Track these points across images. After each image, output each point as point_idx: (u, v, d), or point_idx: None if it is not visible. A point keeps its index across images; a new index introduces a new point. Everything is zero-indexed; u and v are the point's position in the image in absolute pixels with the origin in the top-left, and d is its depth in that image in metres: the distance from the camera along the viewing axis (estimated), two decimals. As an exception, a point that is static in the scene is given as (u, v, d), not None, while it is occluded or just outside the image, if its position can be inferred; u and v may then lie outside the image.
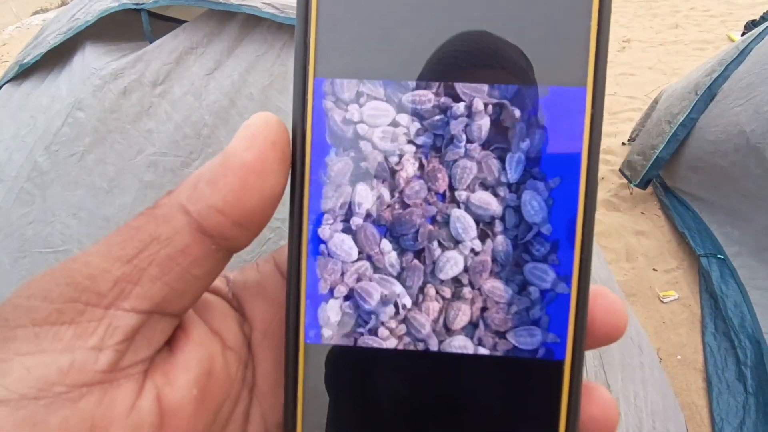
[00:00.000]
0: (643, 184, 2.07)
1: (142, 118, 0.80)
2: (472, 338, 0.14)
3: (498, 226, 0.14)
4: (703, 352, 1.47)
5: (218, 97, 0.78)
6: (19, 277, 0.72)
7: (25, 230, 0.77)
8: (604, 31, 0.14)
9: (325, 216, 0.15)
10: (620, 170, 2.16)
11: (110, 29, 0.92)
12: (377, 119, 0.14)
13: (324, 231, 0.15)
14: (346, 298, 0.15)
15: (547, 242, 0.14)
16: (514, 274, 0.14)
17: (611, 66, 3.34)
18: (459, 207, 0.14)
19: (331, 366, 0.14)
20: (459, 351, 0.14)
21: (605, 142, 2.62)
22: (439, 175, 0.14)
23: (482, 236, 0.14)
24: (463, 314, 0.14)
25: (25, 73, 0.95)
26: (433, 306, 0.14)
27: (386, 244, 0.14)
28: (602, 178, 2.34)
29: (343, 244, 0.15)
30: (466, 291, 0.14)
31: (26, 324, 0.12)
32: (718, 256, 1.63)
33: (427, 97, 0.14)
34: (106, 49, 0.87)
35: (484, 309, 0.14)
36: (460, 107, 0.14)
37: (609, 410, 0.15)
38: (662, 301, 1.70)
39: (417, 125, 0.14)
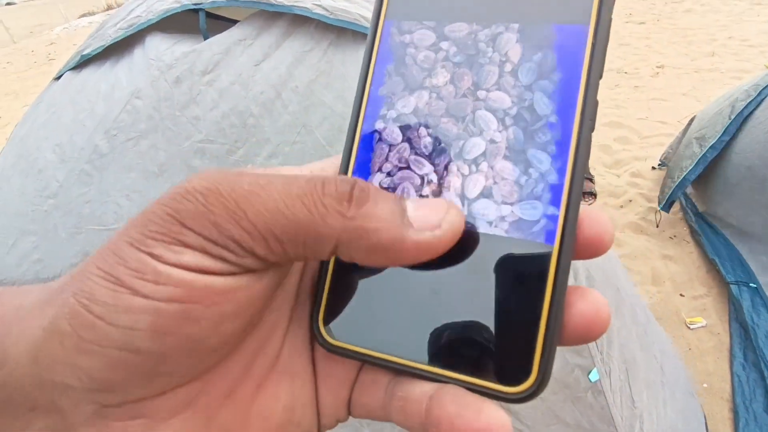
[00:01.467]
0: (668, 206, 2.03)
1: (190, 105, 0.84)
2: (485, 207, 0.17)
3: (510, 120, 0.17)
4: (730, 382, 1.42)
5: (264, 88, 0.82)
6: (74, 251, 0.76)
7: (82, 208, 0.82)
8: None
9: (381, 110, 0.19)
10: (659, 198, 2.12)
11: (169, 25, 0.97)
12: (424, 42, 0.18)
13: (377, 122, 0.18)
14: (388, 174, 0.18)
15: (549, 132, 0.16)
16: (520, 158, 0.17)
17: (643, 90, 3.34)
18: (482, 106, 0.17)
19: None
20: (477, 216, 0.17)
21: (635, 166, 2.59)
22: (466, 78, 0.18)
23: (499, 128, 0.17)
24: (477, 185, 0.17)
25: (85, 62, 1.01)
26: (455, 180, 0.17)
27: (423, 131, 0.18)
28: (630, 200, 2.31)
29: (392, 132, 0.18)
30: (483, 166, 0.17)
31: None
32: (750, 284, 1.59)
33: (463, 27, 0.18)
34: (165, 43, 0.92)
35: (494, 183, 0.17)
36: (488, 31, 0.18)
37: (600, 309, 0.15)
38: (689, 327, 1.66)
39: (454, 47, 0.18)
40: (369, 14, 0.83)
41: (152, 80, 0.85)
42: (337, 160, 0.20)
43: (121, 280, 0.13)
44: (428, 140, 0.18)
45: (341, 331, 0.17)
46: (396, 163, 0.18)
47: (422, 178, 0.17)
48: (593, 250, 0.16)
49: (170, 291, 0.13)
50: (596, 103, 0.17)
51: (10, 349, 0.13)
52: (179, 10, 0.90)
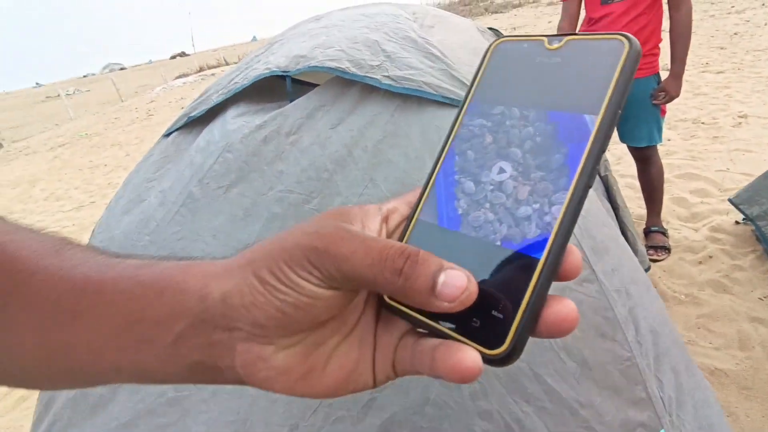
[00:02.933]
0: None
1: (276, 161, 0.96)
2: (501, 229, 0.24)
3: (526, 176, 0.24)
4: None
5: (338, 147, 0.92)
6: None
7: (175, 245, 0.95)
8: (617, 95, 0.23)
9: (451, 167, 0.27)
10: (750, 220, 1.97)
11: (258, 90, 1.13)
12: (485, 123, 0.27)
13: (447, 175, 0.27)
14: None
15: (552, 187, 0.23)
16: (530, 201, 0.24)
17: (723, 141, 3.19)
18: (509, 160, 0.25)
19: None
20: (495, 233, 0.24)
21: (715, 220, 2.43)
22: (505, 141, 0.26)
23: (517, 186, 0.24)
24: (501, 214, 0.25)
25: (190, 124, 1.18)
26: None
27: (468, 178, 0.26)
28: (710, 257, 2.16)
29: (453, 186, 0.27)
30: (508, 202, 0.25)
31: None
32: None
33: (514, 111, 0.26)
34: (255, 106, 1.07)
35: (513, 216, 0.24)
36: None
37: (570, 312, 0.22)
38: (784, 401, 1.49)
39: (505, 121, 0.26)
40: (431, 80, 0.92)
41: (242, 137, 0.99)
42: (407, 196, 0.29)
43: (281, 275, 0.23)
44: (471, 185, 0.26)
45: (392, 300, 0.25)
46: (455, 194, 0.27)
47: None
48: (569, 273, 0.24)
49: (300, 290, 0.23)
50: (594, 174, 0.23)
51: (208, 289, 0.24)
52: (268, 75, 1.05)
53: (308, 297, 0.23)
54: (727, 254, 2.17)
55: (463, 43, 1.13)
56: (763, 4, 8.89)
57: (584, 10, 2.12)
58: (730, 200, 2.21)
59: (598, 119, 0.22)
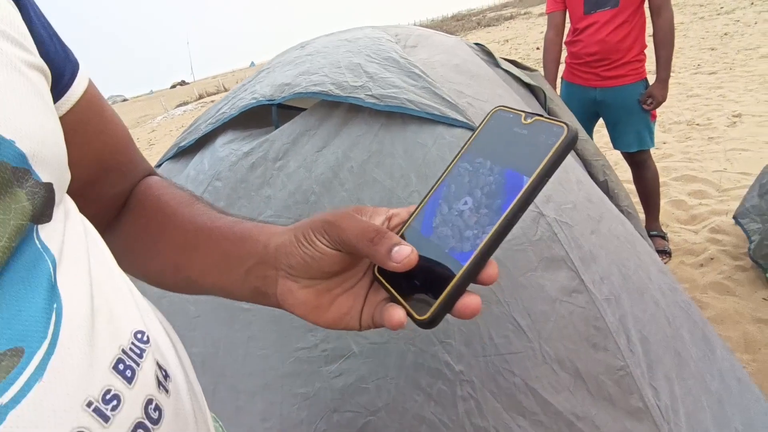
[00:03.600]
0: None
1: (263, 187, 0.97)
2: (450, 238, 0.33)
3: (474, 209, 0.33)
4: None
5: (324, 170, 0.94)
6: (155, 296, 0.87)
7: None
8: (550, 169, 0.30)
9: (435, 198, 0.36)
10: (751, 257, 1.96)
11: (246, 118, 1.15)
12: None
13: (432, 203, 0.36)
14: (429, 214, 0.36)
15: (487, 218, 0.32)
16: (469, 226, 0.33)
17: (719, 141, 3.20)
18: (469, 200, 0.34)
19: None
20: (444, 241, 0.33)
21: (715, 221, 2.42)
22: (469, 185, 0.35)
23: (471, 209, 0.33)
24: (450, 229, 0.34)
25: (180, 153, 1.20)
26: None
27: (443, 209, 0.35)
28: (711, 258, 2.15)
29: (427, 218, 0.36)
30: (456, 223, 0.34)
31: None
32: None
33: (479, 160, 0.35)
34: (242, 134, 1.09)
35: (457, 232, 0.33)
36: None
37: (474, 301, 0.30)
38: (795, 402, 1.46)
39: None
40: (414, 98, 0.94)
41: (230, 165, 1.01)
42: (410, 208, 0.37)
43: (307, 236, 0.34)
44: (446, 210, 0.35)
45: (379, 270, 0.36)
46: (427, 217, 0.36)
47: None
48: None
49: (316, 247, 0.34)
50: (517, 217, 0.31)
51: (269, 242, 0.37)
52: (255, 105, 1.07)
53: (320, 253, 0.33)
54: (729, 255, 2.16)
55: (445, 61, 1.15)
56: (752, 3, 8.98)
57: (569, 21, 2.16)
58: (734, 218, 2.18)
59: (528, 181, 0.30)
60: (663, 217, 2.54)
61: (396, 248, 0.31)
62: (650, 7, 1.95)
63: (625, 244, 0.93)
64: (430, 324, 0.31)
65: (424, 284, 0.32)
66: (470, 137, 0.36)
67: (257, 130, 1.10)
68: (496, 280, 0.31)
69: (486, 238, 0.30)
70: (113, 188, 0.46)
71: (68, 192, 0.33)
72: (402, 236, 0.36)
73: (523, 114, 0.33)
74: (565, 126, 0.30)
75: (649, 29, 2.02)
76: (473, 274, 0.30)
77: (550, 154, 0.29)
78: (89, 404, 0.25)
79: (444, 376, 0.77)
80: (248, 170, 1.00)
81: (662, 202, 2.71)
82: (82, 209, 0.35)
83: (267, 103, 1.02)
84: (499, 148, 0.33)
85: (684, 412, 0.78)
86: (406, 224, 0.36)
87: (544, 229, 0.82)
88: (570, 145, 0.29)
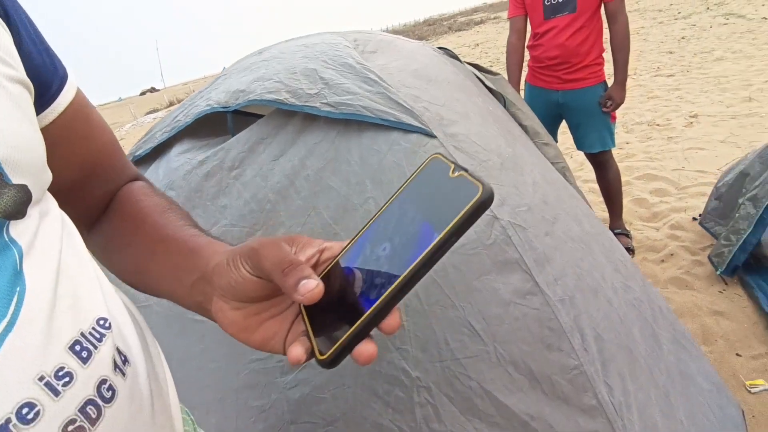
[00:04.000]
0: (730, 271, 1.92)
1: (219, 196, 0.95)
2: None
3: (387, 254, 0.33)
4: (802, 453, 1.27)
5: (280, 178, 0.93)
6: None
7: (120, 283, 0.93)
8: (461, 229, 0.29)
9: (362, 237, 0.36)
10: (709, 257, 2.03)
11: (203, 127, 1.13)
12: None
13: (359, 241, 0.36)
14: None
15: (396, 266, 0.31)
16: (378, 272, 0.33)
17: (677, 141, 3.31)
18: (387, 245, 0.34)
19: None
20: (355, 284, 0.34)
21: (674, 218, 2.51)
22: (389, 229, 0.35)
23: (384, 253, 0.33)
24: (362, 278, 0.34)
25: (135, 162, 1.17)
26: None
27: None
28: (672, 254, 2.22)
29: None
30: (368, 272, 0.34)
31: None
32: (806, 339, 1.46)
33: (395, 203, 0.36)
34: (198, 142, 1.07)
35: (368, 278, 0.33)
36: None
37: (368, 351, 0.30)
38: (749, 391, 1.52)
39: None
40: (369, 104, 0.94)
41: (185, 174, 0.99)
42: (343, 243, 0.37)
43: (235, 262, 0.35)
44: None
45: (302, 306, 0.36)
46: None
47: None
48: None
49: (239, 273, 0.34)
50: (424, 271, 0.30)
51: (211, 260, 0.37)
52: (210, 112, 1.06)
53: (242, 278, 0.34)
54: (687, 250, 2.23)
55: (403, 67, 1.16)
56: (708, 8, 9.38)
57: (530, 26, 2.21)
58: (701, 224, 2.25)
59: (436, 239, 0.29)
60: (626, 215, 2.62)
61: (303, 281, 0.31)
62: (606, 13, 2.02)
63: (579, 245, 0.95)
64: (329, 364, 0.31)
65: (335, 323, 0.32)
66: (406, 180, 0.36)
67: (213, 138, 1.08)
68: (397, 330, 0.31)
69: (389, 289, 0.30)
70: (98, 191, 0.49)
71: (56, 192, 0.39)
72: (327, 272, 0.36)
73: (453, 166, 0.32)
74: (480, 187, 0.29)
75: (607, 34, 2.08)
76: (374, 323, 0.30)
77: (460, 215, 0.29)
78: (41, 378, 0.29)
79: (401, 383, 0.77)
80: (203, 179, 0.98)
81: (626, 200, 2.79)
82: (69, 209, 0.40)
83: (221, 110, 1.01)
84: (425, 198, 0.33)
85: (636, 407, 0.80)
86: (335, 259, 0.36)
87: (498, 233, 0.83)
88: (482, 206, 0.29)
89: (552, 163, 1.66)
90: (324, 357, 0.31)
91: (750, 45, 5.81)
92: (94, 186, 0.49)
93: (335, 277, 0.35)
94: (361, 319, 0.30)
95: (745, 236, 1.86)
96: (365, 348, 0.31)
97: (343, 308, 0.33)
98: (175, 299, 0.41)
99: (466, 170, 0.31)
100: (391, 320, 0.31)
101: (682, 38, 7.23)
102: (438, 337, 0.77)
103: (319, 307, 0.33)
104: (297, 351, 0.32)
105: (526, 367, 0.77)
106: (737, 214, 1.96)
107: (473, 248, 0.81)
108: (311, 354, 0.32)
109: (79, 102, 0.44)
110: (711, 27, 7.50)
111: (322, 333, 0.33)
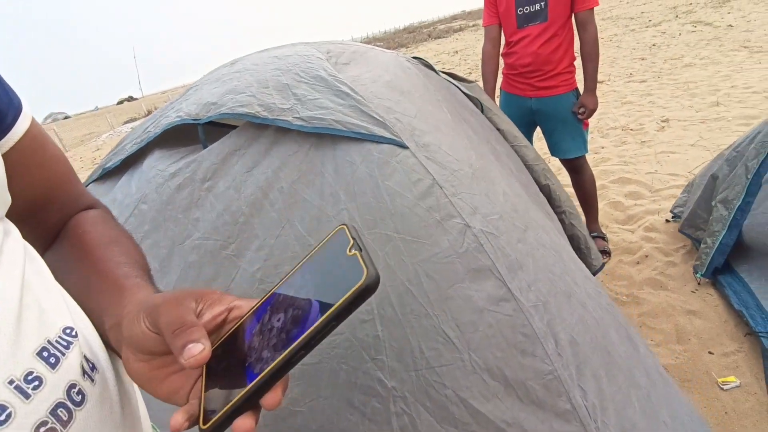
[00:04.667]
0: (710, 273, 1.96)
1: (191, 208, 0.94)
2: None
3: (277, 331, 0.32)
4: (772, 447, 1.30)
5: (254, 190, 0.92)
6: None
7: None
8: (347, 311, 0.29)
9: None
10: (693, 266, 2.07)
11: (175, 137, 1.12)
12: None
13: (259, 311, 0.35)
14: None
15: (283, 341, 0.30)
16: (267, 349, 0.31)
17: (650, 145, 3.39)
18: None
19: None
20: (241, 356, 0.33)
21: (648, 220, 2.57)
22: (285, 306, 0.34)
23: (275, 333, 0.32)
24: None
25: (106, 174, 1.15)
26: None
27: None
28: (646, 256, 2.27)
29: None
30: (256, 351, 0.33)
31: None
32: (773, 336, 1.51)
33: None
34: (169, 154, 1.05)
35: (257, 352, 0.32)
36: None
37: (247, 425, 0.30)
38: (722, 388, 1.56)
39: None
40: (342, 118, 0.95)
41: (156, 187, 0.97)
42: (252, 303, 0.36)
43: (138, 316, 0.34)
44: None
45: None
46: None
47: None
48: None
49: (139, 328, 0.34)
50: (301, 354, 0.29)
51: (126, 309, 0.37)
52: (179, 123, 1.05)
53: (141, 333, 0.34)
54: (661, 252, 2.29)
55: (376, 78, 1.17)
56: (677, 17, 9.69)
57: (504, 35, 2.25)
58: (681, 231, 2.32)
59: (317, 322, 0.29)
60: (602, 218, 2.67)
61: (189, 345, 0.31)
62: (576, 23, 2.07)
63: (550, 251, 0.97)
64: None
65: (225, 389, 0.31)
66: (313, 248, 0.35)
67: (185, 148, 1.07)
68: (277, 407, 0.31)
69: (269, 367, 0.29)
70: (53, 217, 0.51)
71: (12, 217, 0.41)
72: (230, 334, 0.35)
73: (352, 242, 0.31)
74: (365, 271, 0.28)
75: (578, 43, 2.13)
76: (253, 400, 0.30)
77: (340, 301, 0.28)
78: (11, 382, 0.31)
79: (377, 393, 0.77)
80: (175, 191, 0.97)
81: (601, 203, 2.85)
82: (25, 232, 0.42)
83: (192, 122, 1.00)
84: (321, 273, 0.32)
85: (613, 408, 0.82)
86: (240, 321, 0.35)
87: (470, 241, 0.84)
88: (365, 293, 0.28)
89: (532, 165, 1.69)
90: (206, 427, 0.30)
91: (717, 51, 6.02)
92: (49, 213, 0.50)
93: (234, 341, 0.34)
94: (241, 394, 0.29)
95: (720, 238, 1.92)
96: (242, 423, 0.30)
97: (235, 376, 0.31)
98: (103, 337, 0.42)
99: (360, 250, 0.30)
100: (272, 398, 0.30)
101: (653, 45, 7.45)
102: (413, 346, 0.78)
103: (216, 369, 0.33)
104: (177, 419, 0.32)
105: (500, 374, 0.77)
106: (711, 217, 2.02)
107: (446, 256, 0.82)
108: (196, 419, 0.31)
109: (34, 133, 0.46)
110: (680, 34, 7.74)
111: (214, 397, 0.32)
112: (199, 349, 0.31)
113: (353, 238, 0.32)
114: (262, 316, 0.33)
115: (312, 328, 0.28)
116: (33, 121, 0.46)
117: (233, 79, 1.08)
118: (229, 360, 0.33)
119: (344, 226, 0.33)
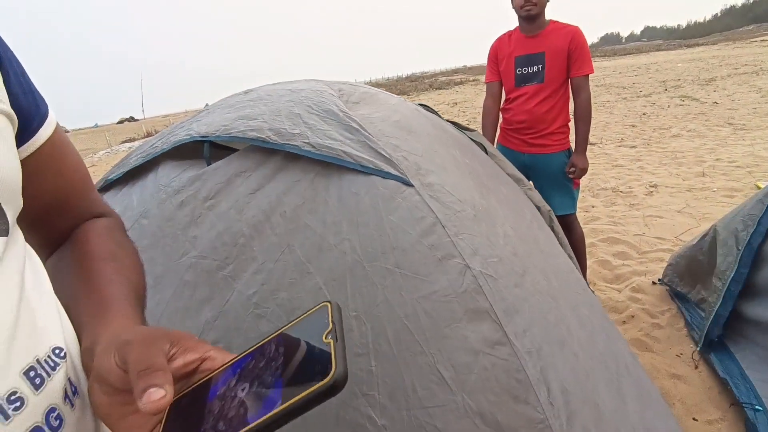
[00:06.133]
0: (706, 347, 1.95)
1: (191, 226, 0.94)
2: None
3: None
4: None
5: (256, 212, 0.93)
6: None
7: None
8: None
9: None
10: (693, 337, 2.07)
11: (180, 154, 1.13)
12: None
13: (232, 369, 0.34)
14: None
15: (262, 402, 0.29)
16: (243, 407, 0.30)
17: (639, 208, 3.47)
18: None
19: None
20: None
21: (635, 281, 2.59)
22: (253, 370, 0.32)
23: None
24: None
25: (108, 186, 1.15)
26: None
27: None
28: (632, 316, 2.28)
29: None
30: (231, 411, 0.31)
31: None
32: (756, 407, 1.50)
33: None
34: (174, 171, 1.06)
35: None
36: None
37: None
38: (707, 458, 1.53)
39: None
40: (350, 150, 0.97)
41: (159, 202, 0.97)
42: (227, 358, 0.35)
43: (109, 350, 0.33)
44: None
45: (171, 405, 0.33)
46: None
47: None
48: None
49: (107, 362, 0.33)
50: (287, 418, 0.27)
51: (101, 336, 0.36)
52: (188, 141, 1.06)
53: (108, 367, 0.33)
54: (647, 313, 2.30)
55: (385, 117, 1.21)
56: (666, 90, 10.21)
57: (504, 91, 2.35)
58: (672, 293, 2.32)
59: (274, 410, 0.27)
60: (591, 276, 2.69)
61: (151, 389, 0.30)
62: (571, 87, 2.18)
63: (546, 298, 0.98)
64: None
65: None
66: (294, 319, 0.33)
67: (190, 161, 1.08)
68: None
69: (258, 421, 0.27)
70: (62, 224, 0.51)
71: (23, 221, 0.40)
72: (198, 385, 0.34)
73: (330, 327, 0.30)
74: (333, 369, 0.27)
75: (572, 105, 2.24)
76: None
77: (302, 395, 0.26)
78: None
79: (367, 431, 0.74)
80: (177, 208, 0.97)
81: (590, 261, 2.88)
82: (31, 236, 0.42)
83: (200, 139, 1.02)
84: (293, 350, 0.31)
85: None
86: (209, 375, 0.34)
87: (469, 281, 0.85)
88: (328, 393, 0.26)
89: (540, 206, 1.73)
90: None
91: (703, 125, 6.31)
92: (60, 219, 0.51)
93: (198, 396, 0.33)
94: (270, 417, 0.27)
95: (715, 309, 1.91)
96: None
97: None
98: (83, 355, 0.40)
99: (336, 339, 0.29)
100: None
101: (644, 114, 7.79)
102: (406, 383, 0.76)
103: (177, 418, 0.32)
104: None
105: (493, 419, 0.76)
106: (708, 287, 2.03)
107: (445, 295, 0.82)
108: None
109: (57, 140, 0.46)
110: (669, 107, 8.13)
111: None
112: (159, 395, 0.30)
113: (333, 323, 0.30)
114: (229, 379, 0.32)
115: (266, 416, 0.27)
116: (56, 129, 0.47)
117: (246, 107, 1.11)
118: (188, 415, 0.31)
119: (328, 305, 0.32)
